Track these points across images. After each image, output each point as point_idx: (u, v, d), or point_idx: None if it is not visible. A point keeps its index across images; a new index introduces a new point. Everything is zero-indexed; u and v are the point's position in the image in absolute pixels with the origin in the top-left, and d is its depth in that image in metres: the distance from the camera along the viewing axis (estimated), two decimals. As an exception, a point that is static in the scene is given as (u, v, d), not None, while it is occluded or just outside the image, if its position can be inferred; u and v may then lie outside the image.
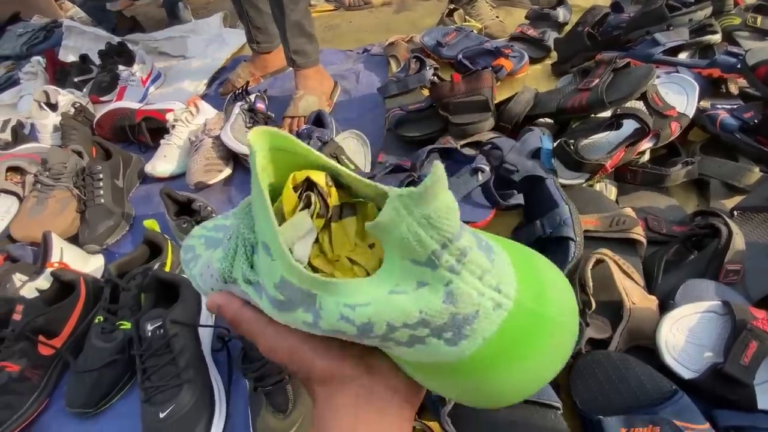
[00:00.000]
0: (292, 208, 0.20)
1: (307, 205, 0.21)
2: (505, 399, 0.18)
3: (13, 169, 0.99)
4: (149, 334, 0.62)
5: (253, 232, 0.20)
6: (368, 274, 0.21)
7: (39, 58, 1.47)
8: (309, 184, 0.21)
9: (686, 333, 0.52)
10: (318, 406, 0.22)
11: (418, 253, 0.15)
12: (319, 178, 0.21)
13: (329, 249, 0.22)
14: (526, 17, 1.23)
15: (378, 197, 0.20)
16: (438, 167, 0.14)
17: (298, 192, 0.21)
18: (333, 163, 0.21)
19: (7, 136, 1.23)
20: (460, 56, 1.08)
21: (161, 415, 0.58)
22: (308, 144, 0.90)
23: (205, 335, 0.68)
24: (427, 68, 1.00)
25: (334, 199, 0.21)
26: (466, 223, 0.18)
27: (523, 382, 0.18)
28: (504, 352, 0.16)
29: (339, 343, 0.21)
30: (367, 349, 0.21)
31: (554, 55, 1.10)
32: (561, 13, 1.18)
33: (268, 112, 1.06)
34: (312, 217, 0.20)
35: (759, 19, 0.97)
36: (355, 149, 0.96)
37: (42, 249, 0.80)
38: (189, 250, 0.29)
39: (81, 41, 1.63)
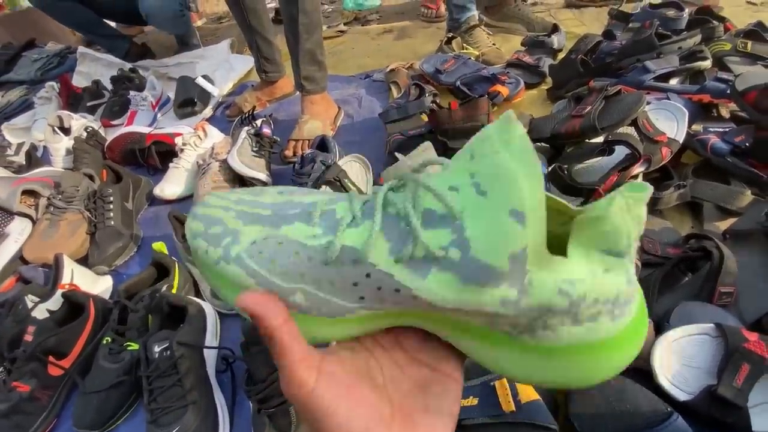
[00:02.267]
0: None
1: None
2: (604, 374, 0.20)
3: (27, 192, 1.02)
4: (156, 355, 0.63)
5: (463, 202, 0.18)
6: None
7: (53, 83, 1.52)
8: None
9: (680, 355, 0.53)
10: None
11: (620, 243, 0.18)
12: None
13: None
14: (522, 44, 1.28)
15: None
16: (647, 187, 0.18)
17: None
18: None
19: (21, 159, 1.27)
20: (459, 83, 1.12)
21: (166, 437, 0.59)
22: (312, 168, 0.92)
23: (210, 357, 0.70)
24: (427, 95, 1.04)
25: None
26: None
27: (624, 359, 0.20)
28: (634, 331, 0.20)
29: (370, 403, 0.20)
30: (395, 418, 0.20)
31: (549, 80, 1.13)
32: (555, 41, 1.22)
33: (274, 137, 1.10)
34: None
35: (749, 44, 1.01)
36: (358, 172, 0.99)
37: (54, 271, 0.83)
38: (212, 222, 0.22)
39: (94, 67, 1.70)
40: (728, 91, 0.83)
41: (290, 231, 0.21)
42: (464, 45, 1.34)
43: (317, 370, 0.19)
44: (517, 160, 0.17)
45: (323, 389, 0.19)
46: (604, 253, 0.18)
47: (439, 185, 0.18)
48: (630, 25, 1.19)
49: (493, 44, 1.33)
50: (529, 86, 1.14)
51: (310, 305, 0.21)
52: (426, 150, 0.80)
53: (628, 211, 0.17)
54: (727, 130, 0.82)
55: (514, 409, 0.50)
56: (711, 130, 0.83)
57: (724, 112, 0.91)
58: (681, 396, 0.51)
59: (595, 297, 0.18)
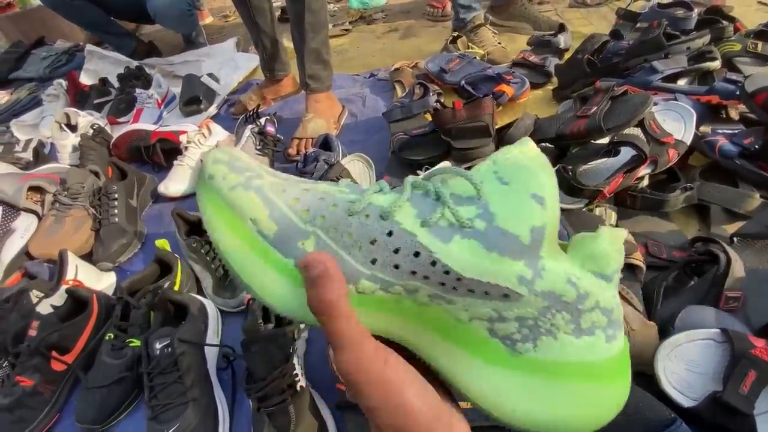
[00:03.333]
0: None
1: None
2: (596, 419, 0.20)
3: (34, 189, 1.03)
4: (157, 352, 0.64)
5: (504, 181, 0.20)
6: None
7: (61, 80, 1.54)
8: None
9: (685, 361, 0.52)
10: None
11: (608, 266, 0.19)
12: None
13: None
14: (528, 44, 1.27)
15: None
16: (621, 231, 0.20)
17: None
18: None
19: (28, 155, 1.29)
20: (463, 82, 1.11)
21: (167, 433, 0.59)
22: (315, 167, 0.92)
23: (211, 354, 0.70)
24: (431, 94, 1.03)
25: None
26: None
27: (616, 398, 0.20)
28: (624, 361, 0.20)
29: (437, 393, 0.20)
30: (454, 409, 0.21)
31: (555, 80, 1.12)
32: (562, 40, 1.21)
33: (278, 135, 1.10)
34: None
35: (759, 45, 0.99)
36: (360, 171, 0.98)
37: (58, 266, 0.83)
38: (237, 159, 0.23)
39: (101, 65, 1.71)
40: (737, 93, 0.81)
41: (317, 185, 0.22)
42: (469, 44, 1.33)
43: (384, 348, 0.19)
44: (534, 161, 0.20)
45: (395, 363, 0.19)
46: (594, 276, 0.19)
47: (468, 176, 0.21)
48: (638, 24, 1.18)
49: (499, 43, 1.32)
50: (534, 86, 1.13)
51: None
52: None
53: (614, 240, 0.19)
54: (736, 132, 0.81)
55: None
56: (719, 131, 0.82)
57: (733, 114, 0.89)
58: (685, 402, 0.50)
59: (597, 300, 0.19)
